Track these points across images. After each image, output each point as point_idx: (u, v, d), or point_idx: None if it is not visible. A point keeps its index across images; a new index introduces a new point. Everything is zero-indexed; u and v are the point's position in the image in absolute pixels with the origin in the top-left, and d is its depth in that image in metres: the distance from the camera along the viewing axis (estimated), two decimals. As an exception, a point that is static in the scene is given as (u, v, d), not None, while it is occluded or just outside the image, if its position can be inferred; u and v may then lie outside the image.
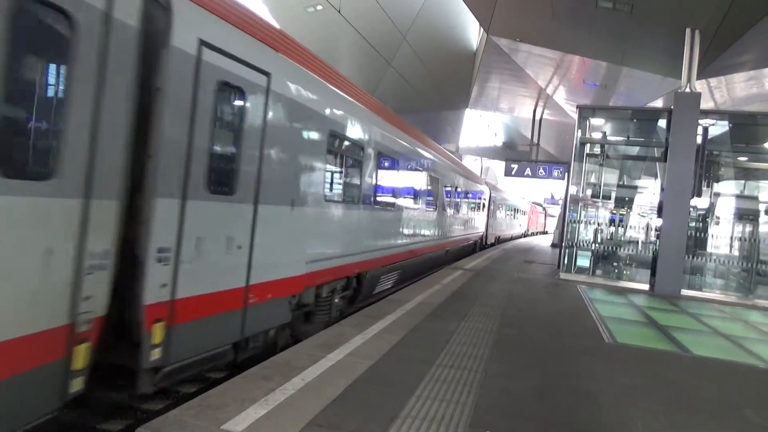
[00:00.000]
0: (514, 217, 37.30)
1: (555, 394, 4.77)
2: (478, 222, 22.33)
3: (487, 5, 17.28)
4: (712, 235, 14.17)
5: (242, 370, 4.68)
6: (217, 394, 3.98)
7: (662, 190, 13.25)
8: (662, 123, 13.84)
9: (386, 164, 9.58)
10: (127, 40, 3.61)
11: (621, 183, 16.03)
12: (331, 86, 7.06)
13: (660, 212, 13.29)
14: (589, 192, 15.29)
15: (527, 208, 46.36)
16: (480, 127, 39.29)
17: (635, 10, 13.14)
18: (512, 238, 36.38)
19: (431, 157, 13.15)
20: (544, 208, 62.39)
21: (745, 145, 14.60)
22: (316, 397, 4.07)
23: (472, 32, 25.04)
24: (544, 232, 62.40)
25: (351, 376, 4.61)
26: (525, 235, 45.34)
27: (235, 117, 4.98)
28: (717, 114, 14.65)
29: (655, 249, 13.22)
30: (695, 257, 13.63)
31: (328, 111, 6.81)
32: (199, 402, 3.80)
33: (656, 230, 13.50)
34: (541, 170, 21.01)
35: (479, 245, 23.57)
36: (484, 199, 23.58)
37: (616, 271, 14.61)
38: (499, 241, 30.05)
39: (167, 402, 4.99)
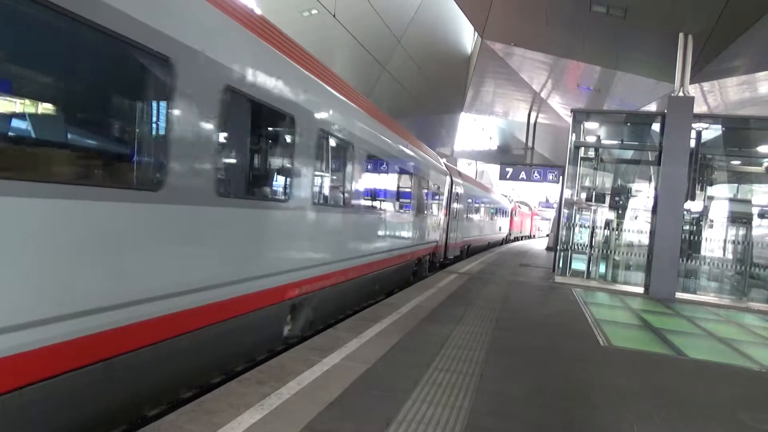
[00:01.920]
0: (492, 218, 29.03)
1: (550, 397, 4.77)
2: (428, 226, 14.01)
3: (481, 10, 17.35)
4: (706, 239, 14.24)
5: (237, 374, 4.66)
6: (212, 399, 3.96)
7: (656, 193, 13.31)
8: (656, 127, 13.91)
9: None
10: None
11: (615, 186, 16.09)
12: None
13: (654, 215, 13.35)
14: (583, 195, 15.34)
15: (509, 207, 37.85)
16: (475, 130, 39.39)
17: (629, 14, 13.21)
18: (489, 246, 28.51)
19: (321, 98, 6.75)
20: (530, 208, 54.04)
21: (738, 149, 14.69)
22: (312, 401, 4.06)
23: (467, 36, 25.13)
24: (530, 236, 54.35)
25: (346, 381, 4.60)
26: (506, 241, 37.22)
27: None
28: (710, 118, 14.72)
29: (650, 252, 13.27)
30: (689, 260, 13.69)
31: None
32: (194, 407, 3.78)
33: (650, 233, 13.54)
34: (536, 174, 21.12)
35: (429, 263, 15.32)
36: (443, 192, 16.06)
37: (611, 274, 14.65)
38: (470, 252, 22.28)
39: (162, 407, 4.95)
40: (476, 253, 22.94)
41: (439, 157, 16.35)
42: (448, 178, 16.61)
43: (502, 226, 33.46)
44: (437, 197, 15.21)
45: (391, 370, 5.06)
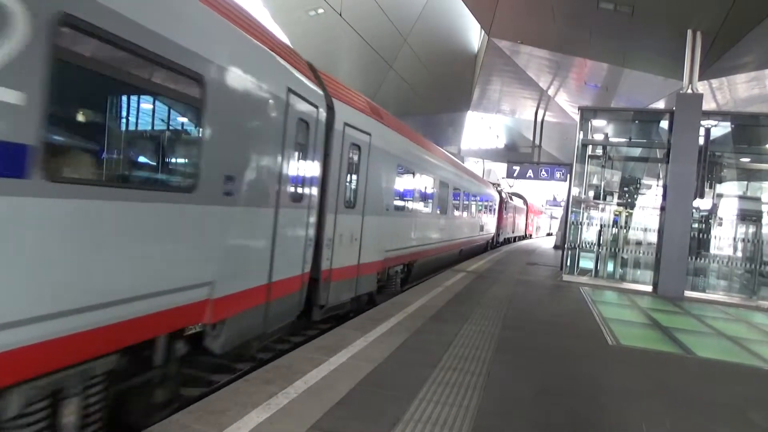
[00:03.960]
0: (465, 213, 18.59)
1: (558, 397, 4.76)
2: (252, 244, 5.26)
3: (488, 7, 17.29)
4: (715, 237, 14.14)
5: (245, 374, 4.68)
6: (219, 398, 3.98)
7: (664, 191, 13.23)
8: (664, 124, 13.83)
9: None
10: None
11: (623, 184, 16.01)
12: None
13: (663, 213, 13.28)
14: (591, 193, 15.27)
15: (495, 198, 26.90)
16: (482, 129, 39.29)
17: (636, 11, 13.13)
18: (463, 255, 18.83)
19: None
20: (525, 201, 42.21)
21: (748, 146, 14.57)
22: (318, 401, 4.06)
23: (473, 34, 25.08)
24: (525, 236, 43.90)
25: (353, 380, 4.60)
26: (494, 244, 28.04)
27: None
28: (719, 115, 14.64)
29: (658, 250, 13.20)
30: (698, 259, 13.60)
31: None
32: (202, 406, 3.80)
33: (659, 231, 13.47)
34: (543, 172, 21.07)
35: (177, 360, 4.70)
36: (307, 143, 6.37)
37: (619, 272, 14.58)
38: (412, 274, 12.27)
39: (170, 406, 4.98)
40: (433, 273, 14.33)
41: (297, 55, 6.60)
42: (320, 111, 6.72)
43: (485, 225, 23.46)
44: (269, 154, 5.56)
45: (398, 369, 5.05)
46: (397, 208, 10.51)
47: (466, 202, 18.64)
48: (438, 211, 14.07)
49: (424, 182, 12.52)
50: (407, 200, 11.40)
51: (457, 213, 16.91)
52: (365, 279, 8.75)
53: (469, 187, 18.83)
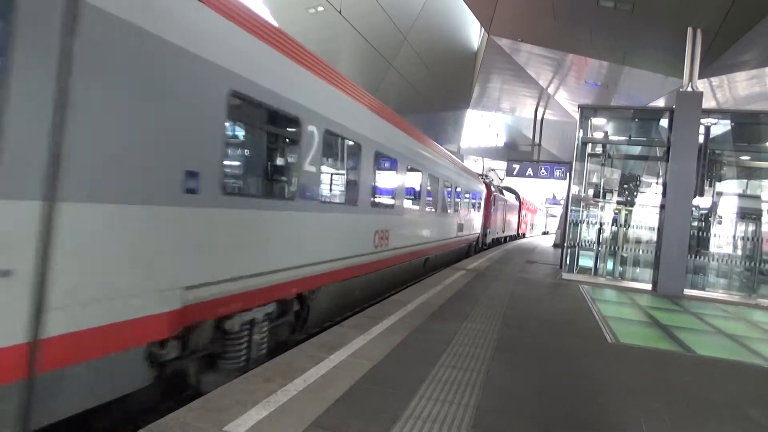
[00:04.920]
0: (442, 205, 14.83)
1: (557, 395, 4.75)
2: None
3: (487, 5, 17.27)
4: (715, 235, 14.14)
5: (245, 371, 4.68)
6: (219, 395, 3.98)
7: (664, 189, 13.24)
8: (664, 122, 13.83)
9: None
10: None
11: (623, 183, 16.00)
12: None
13: (662, 212, 13.28)
14: (590, 192, 15.27)
15: (482, 191, 23.05)
16: (482, 127, 39.26)
17: (636, 9, 13.12)
18: (427, 266, 14.36)
19: None
20: (518, 197, 38.20)
21: (748, 144, 14.56)
22: (318, 398, 4.06)
23: (473, 32, 25.06)
24: (518, 236, 39.63)
25: (353, 378, 4.60)
26: (480, 246, 23.85)
27: None
28: (719, 113, 14.61)
29: (658, 249, 13.21)
30: (698, 257, 13.61)
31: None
32: (201, 404, 3.80)
33: (658, 230, 13.47)
34: (543, 170, 21.07)
35: None
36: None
37: (619, 270, 14.58)
38: (314, 312, 7.10)
39: (169, 404, 4.98)
40: (380, 297, 10.57)
41: None
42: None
43: (466, 223, 19.22)
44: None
45: (397, 367, 5.05)
46: (246, 190, 5.66)
47: (436, 192, 13.98)
48: (379, 202, 9.43)
49: (344, 149, 7.68)
50: (287, 173, 6.31)
51: (416, 206, 12.26)
52: (81, 373, 3.43)
53: (439, 171, 14.00)
